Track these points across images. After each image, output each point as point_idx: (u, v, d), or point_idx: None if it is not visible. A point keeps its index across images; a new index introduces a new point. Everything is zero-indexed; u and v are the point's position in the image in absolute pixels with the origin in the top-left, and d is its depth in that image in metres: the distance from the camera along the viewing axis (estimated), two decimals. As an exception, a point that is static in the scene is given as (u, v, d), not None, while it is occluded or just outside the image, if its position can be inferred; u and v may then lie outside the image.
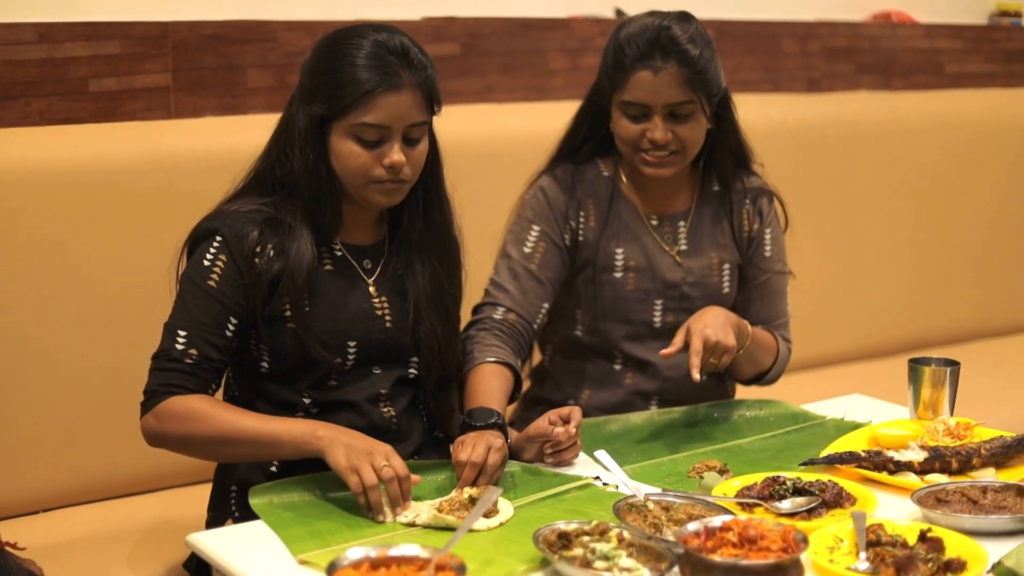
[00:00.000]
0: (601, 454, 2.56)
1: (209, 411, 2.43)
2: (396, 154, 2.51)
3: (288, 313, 2.54)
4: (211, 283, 2.52)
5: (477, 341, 2.88)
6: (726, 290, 3.11)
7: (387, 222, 2.71)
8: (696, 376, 2.71)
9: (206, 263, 2.53)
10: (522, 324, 2.97)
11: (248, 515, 2.41)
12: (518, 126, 3.91)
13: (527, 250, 3.01)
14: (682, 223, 3.08)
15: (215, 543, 2.28)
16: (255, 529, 2.31)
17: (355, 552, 2.00)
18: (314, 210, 2.56)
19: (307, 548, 2.17)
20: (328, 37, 2.60)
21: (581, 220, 3.04)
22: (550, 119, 3.92)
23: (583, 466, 2.64)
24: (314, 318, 2.55)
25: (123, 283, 3.24)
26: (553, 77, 4.21)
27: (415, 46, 2.56)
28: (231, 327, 2.53)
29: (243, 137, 3.43)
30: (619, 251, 3.04)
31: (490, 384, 2.78)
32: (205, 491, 2.77)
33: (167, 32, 3.46)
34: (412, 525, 2.29)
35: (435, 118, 2.63)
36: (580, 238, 3.04)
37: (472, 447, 2.45)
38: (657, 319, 3.06)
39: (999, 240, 5.07)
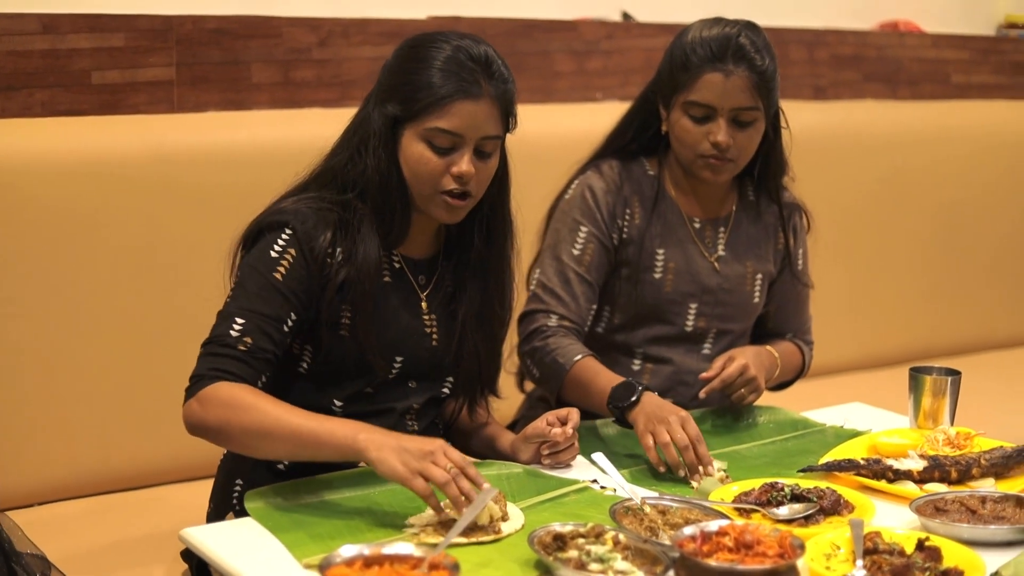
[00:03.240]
0: (598, 457, 2.54)
1: (253, 401, 2.32)
2: (466, 164, 2.45)
3: (346, 321, 2.50)
4: (277, 275, 2.44)
5: (554, 348, 2.91)
6: (756, 299, 3.14)
7: (443, 236, 2.66)
8: (702, 394, 2.87)
9: (273, 254, 2.45)
10: (576, 330, 2.98)
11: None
12: (523, 128, 3.88)
13: (576, 252, 3.01)
14: (722, 228, 3.09)
15: (209, 538, 2.26)
16: (250, 525, 2.29)
17: (348, 550, 1.98)
18: (383, 215, 2.51)
19: (311, 552, 2.14)
20: (411, 39, 2.54)
21: (627, 218, 3.04)
22: (556, 121, 3.95)
23: (580, 469, 2.63)
24: (368, 330, 2.50)
25: (122, 276, 3.24)
26: (559, 79, 4.20)
27: (499, 58, 2.51)
28: (290, 323, 2.45)
29: (246, 132, 3.45)
30: (660, 252, 3.04)
31: (601, 369, 2.85)
32: (206, 487, 2.75)
33: (171, 25, 3.46)
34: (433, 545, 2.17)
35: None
36: (625, 236, 3.04)
37: (666, 432, 2.57)
38: (689, 322, 3.07)
39: (1002, 252, 5.06)
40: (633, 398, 2.70)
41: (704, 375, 2.89)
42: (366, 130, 2.51)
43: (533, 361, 2.95)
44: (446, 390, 2.69)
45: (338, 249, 2.47)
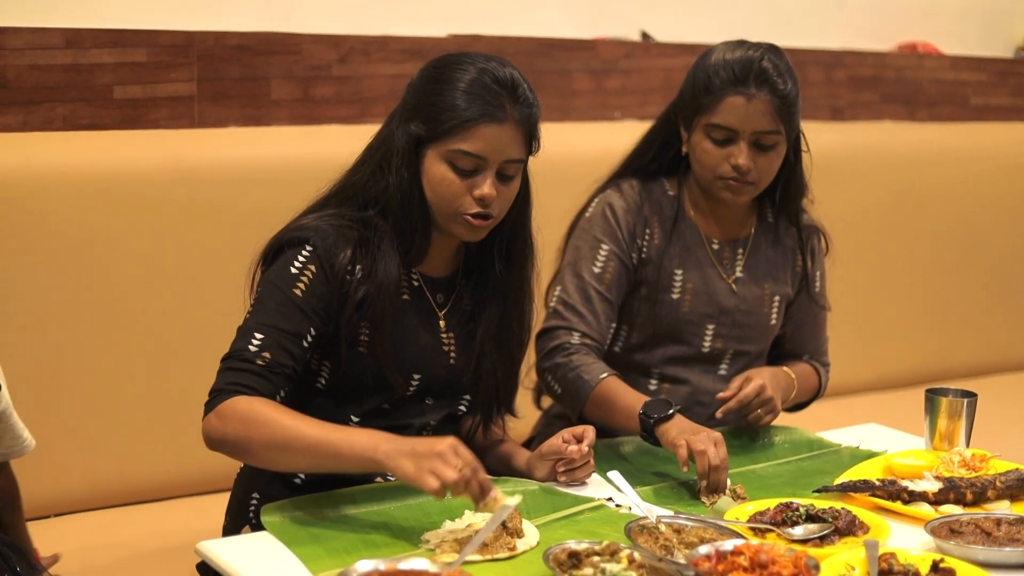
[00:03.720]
0: (614, 475, 2.55)
1: (272, 415, 2.33)
2: (488, 187, 2.45)
3: (364, 337, 2.50)
4: (297, 291, 2.44)
5: (578, 365, 2.91)
6: (773, 321, 3.14)
7: (462, 256, 2.67)
8: (719, 413, 2.88)
9: (294, 270, 2.46)
10: (597, 348, 2.99)
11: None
12: (541, 146, 3.91)
13: (597, 270, 3.01)
14: (740, 250, 3.10)
15: (225, 552, 2.27)
16: (266, 539, 2.30)
17: (364, 565, 1.99)
18: (404, 233, 2.51)
19: (327, 567, 2.14)
20: (437, 59, 2.55)
21: (647, 238, 3.04)
22: (573, 139, 3.95)
23: (596, 487, 2.63)
24: (386, 347, 2.51)
25: (141, 290, 3.25)
26: (577, 98, 4.21)
27: (524, 82, 2.51)
28: (309, 338, 2.46)
29: (266, 148, 3.47)
30: (679, 272, 3.04)
31: (628, 388, 2.86)
32: (222, 500, 2.76)
33: (193, 41, 3.48)
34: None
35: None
36: (644, 255, 3.04)
37: (704, 446, 2.54)
38: (706, 343, 3.07)
39: (1019, 274, 5.06)
40: (670, 411, 2.70)
41: (721, 395, 2.89)
42: (389, 148, 2.52)
43: (555, 377, 2.95)
44: (463, 407, 2.69)
45: (358, 266, 2.47)
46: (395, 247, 2.51)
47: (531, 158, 2.58)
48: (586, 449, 2.61)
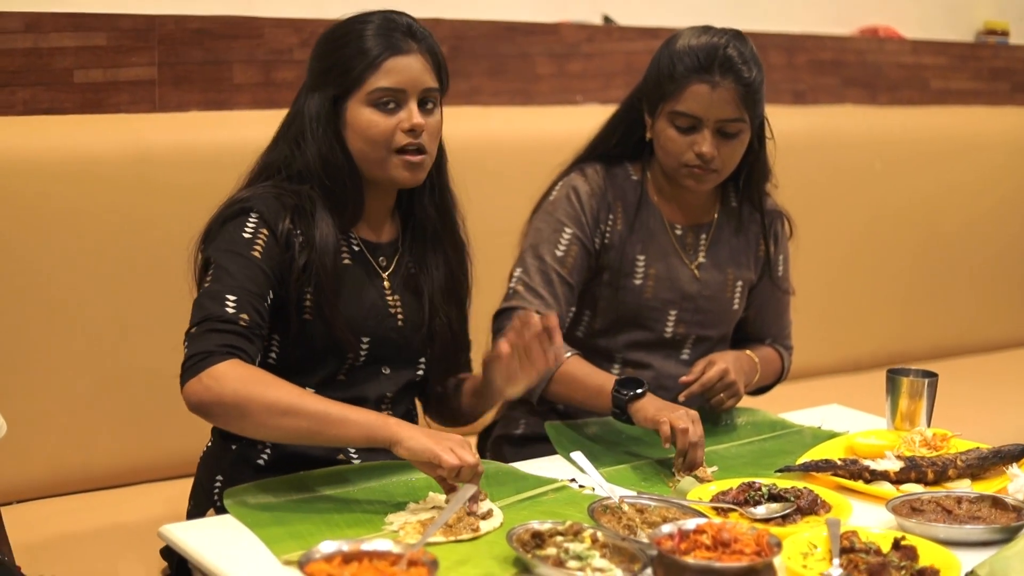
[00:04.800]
0: (577, 456, 2.55)
1: (276, 379, 2.33)
2: (416, 116, 2.51)
3: (309, 303, 2.51)
4: (255, 253, 2.45)
5: None
6: (735, 306, 3.14)
7: (399, 219, 2.70)
8: (682, 397, 2.88)
9: (247, 235, 2.46)
10: None
11: (229, 507, 2.38)
12: (504, 130, 3.91)
13: (559, 253, 3.00)
14: (703, 235, 3.09)
15: (189, 535, 2.26)
16: (229, 522, 2.30)
17: (327, 546, 1.99)
18: (335, 196, 2.54)
19: (289, 549, 2.14)
20: (328, 29, 2.61)
21: (610, 223, 3.04)
22: (536, 123, 3.96)
23: (559, 467, 2.64)
24: (333, 308, 2.52)
25: (102, 275, 3.23)
26: (539, 82, 4.21)
27: (417, 24, 2.58)
28: (270, 300, 2.46)
29: (227, 132, 3.45)
30: (641, 258, 3.04)
31: (594, 367, 2.88)
32: (185, 485, 2.76)
33: (153, 25, 3.46)
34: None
35: None
36: (607, 241, 3.04)
37: (685, 424, 2.58)
38: (669, 329, 3.08)
39: (979, 256, 5.09)
40: (640, 390, 2.72)
41: (684, 379, 2.90)
42: (302, 121, 2.56)
43: None
44: (420, 371, 2.70)
45: (297, 232, 2.49)
46: (329, 211, 2.53)
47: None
48: (534, 334, 2.47)
